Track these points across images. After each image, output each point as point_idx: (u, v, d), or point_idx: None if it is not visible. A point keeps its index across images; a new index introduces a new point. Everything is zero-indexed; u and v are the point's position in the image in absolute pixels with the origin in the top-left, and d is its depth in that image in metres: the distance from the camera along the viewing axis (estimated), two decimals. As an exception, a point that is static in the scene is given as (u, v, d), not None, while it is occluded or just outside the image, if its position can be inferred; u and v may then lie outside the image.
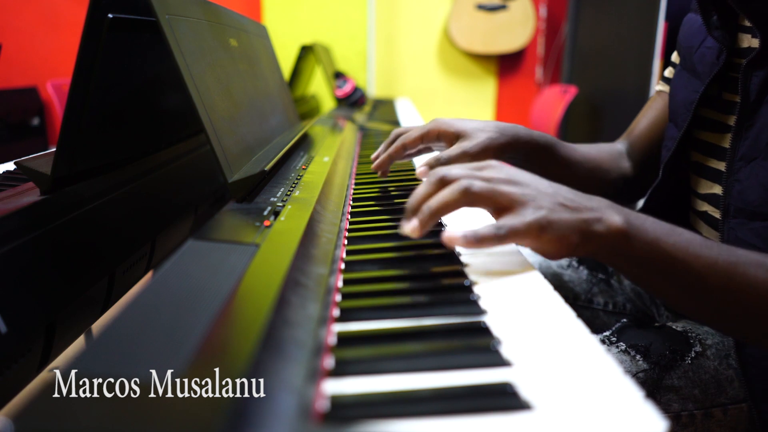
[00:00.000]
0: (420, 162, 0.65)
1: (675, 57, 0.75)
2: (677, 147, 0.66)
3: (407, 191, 0.68)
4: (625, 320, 0.64)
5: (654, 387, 0.56)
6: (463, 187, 0.42)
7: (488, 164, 0.45)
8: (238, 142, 0.61)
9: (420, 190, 0.44)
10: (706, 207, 0.65)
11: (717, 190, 0.62)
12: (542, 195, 0.42)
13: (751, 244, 0.54)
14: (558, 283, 0.80)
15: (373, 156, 0.72)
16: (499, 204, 0.42)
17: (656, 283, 0.44)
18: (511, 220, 0.40)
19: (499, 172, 0.44)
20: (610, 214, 0.42)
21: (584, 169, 0.74)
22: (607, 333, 0.62)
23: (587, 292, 0.79)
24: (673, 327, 0.63)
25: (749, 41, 0.58)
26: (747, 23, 0.58)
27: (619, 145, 0.81)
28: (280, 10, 2.98)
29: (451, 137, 0.63)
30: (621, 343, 0.59)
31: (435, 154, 0.62)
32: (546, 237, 0.40)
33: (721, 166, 0.61)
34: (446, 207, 0.42)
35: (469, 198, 0.42)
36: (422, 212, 0.42)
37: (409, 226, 0.43)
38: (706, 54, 0.64)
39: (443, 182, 0.43)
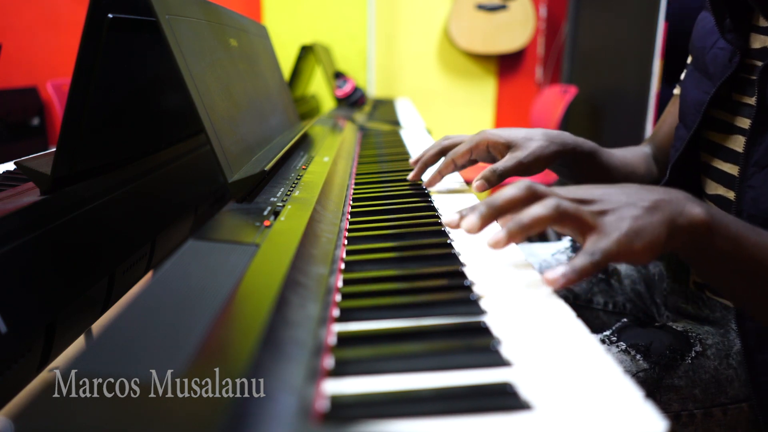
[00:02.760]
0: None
1: (690, 58, 0.74)
2: (686, 148, 0.66)
3: (407, 191, 0.68)
4: (625, 320, 0.64)
5: (654, 387, 0.56)
6: (555, 204, 0.39)
7: (551, 190, 0.42)
8: (238, 142, 0.60)
9: (508, 192, 0.41)
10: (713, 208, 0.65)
11: (721, 191, 0.62)
12: (621, 206, 0.40)
13: None
14: (558, 283, 0.80)
15: (412, 161, 0.71)
16: (585, 225, 0.40)
17: (734, 283, 0.43)
18: (601, 243, 0.39)
19: (568, 192, 0.42)
20: (691, 206, 0.41)
21: (622, 173, 0.74)
22: (607, 333, 0.62)
23: (587, 291, 0.79)
24: (674, 327, 0.63)
25: (763, 41, 0.58)
26: (761, 23, 0.58)
27: (646, 149, 0.81)
28: (280, 10, 2.98)
29: (501, 148, 0.63)
30: (621, 343, 0.59)
31: (488, 166, 0.61)
32: (638, 246, 0.39)
33: (726, 167, 0.60)
34: (538, 223, 0.39)
35: (559, 217, 0.39)
36: (512, 225, 0.39)
37: (494, 239, 0.39)
38: (718, 55, 0.63)
39: (532, 192, 0.41)
